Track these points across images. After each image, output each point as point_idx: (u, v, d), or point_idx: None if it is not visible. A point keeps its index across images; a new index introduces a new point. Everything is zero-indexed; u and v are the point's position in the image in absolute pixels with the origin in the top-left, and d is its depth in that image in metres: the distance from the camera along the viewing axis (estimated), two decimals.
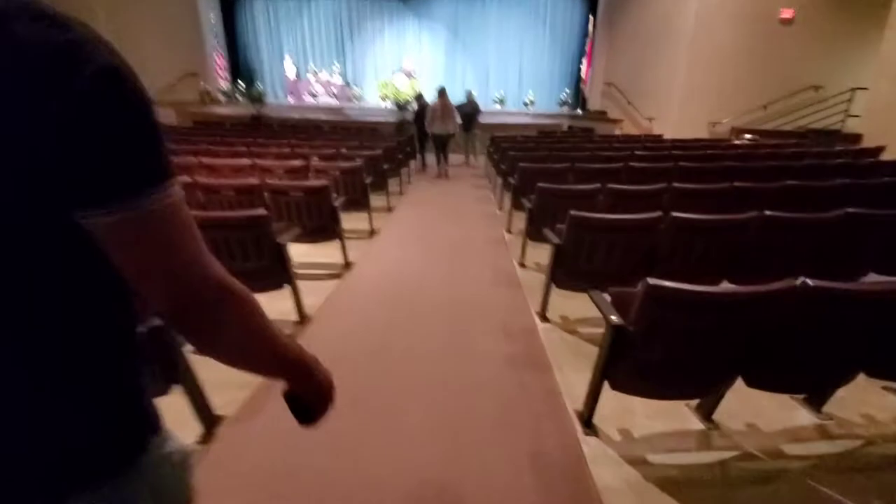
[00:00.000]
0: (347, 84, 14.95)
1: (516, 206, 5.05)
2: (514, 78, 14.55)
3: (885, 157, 6.38)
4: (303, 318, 3.17)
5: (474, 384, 2.54)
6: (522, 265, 4.30)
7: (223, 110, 12.69)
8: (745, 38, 10.15)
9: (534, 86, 13.94)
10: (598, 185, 3.72)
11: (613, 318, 1.87)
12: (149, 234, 0.51)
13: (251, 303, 0.61)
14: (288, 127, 9.47)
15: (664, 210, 2.85)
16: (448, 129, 8.56)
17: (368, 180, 5.13)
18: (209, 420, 2.09)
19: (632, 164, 5.06)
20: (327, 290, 3.65)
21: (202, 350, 0.59)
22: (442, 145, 8.61)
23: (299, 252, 3.86)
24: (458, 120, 8.79)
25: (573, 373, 2.61)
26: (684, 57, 10.83)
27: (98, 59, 0.47)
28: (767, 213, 2.85)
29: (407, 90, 13.65)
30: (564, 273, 3.07)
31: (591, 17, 12.81)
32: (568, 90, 13.20)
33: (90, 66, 0.46)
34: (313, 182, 3.83)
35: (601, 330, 1.97)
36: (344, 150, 6.10)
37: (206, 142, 6.45)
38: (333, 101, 13.73)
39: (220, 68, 14.52)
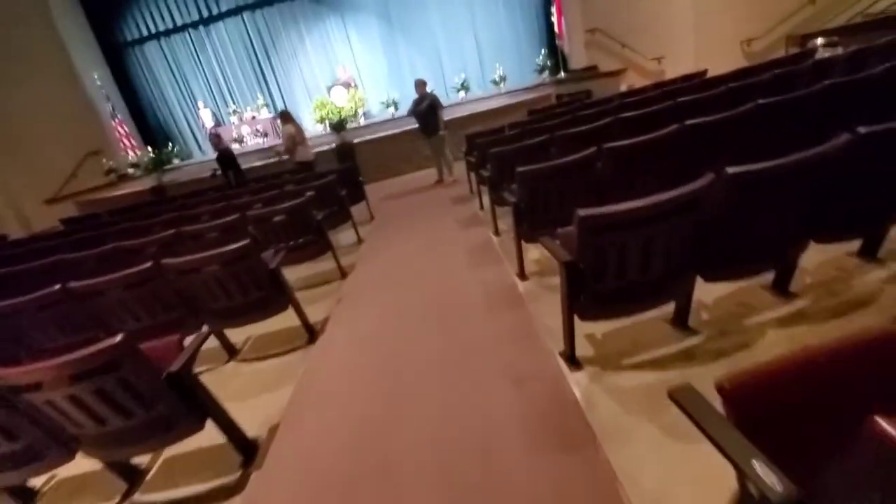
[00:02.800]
0: (277, 116, 12.28)
1: (497, 201, 4.30)
2: (472, 56, 11.76)
3: None
4: (313, 336, 3.16)
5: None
6: (522, 276, 3.41)
7: (121, 190, 10.13)
8: None
9: (499, 58, 11.13)
10: (546, 136, 3.87)
11: (563, 256, 1.99)
12: None
13: None
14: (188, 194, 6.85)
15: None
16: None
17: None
18: (246, 447, 2.21)
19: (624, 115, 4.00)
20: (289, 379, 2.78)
21: None
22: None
23: (243, 332, 3.28)
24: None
25: None
26: None
27: None
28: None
29: (349, 104, 10.99)
30: (528, 228, 3.13)
31: None
32: (544, 51, 10.34)
33: None
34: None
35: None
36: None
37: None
38: (262, 141, 11.07)
39: (125, 137, 11.91)
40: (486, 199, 4.77)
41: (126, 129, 11.98)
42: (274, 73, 12.50)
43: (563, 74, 10.48)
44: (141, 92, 12.91)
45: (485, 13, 11.39)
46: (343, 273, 4.24)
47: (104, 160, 11.35)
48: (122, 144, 11.81)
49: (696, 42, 8.75)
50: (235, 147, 11.56)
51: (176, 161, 11.76)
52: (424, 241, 4.64)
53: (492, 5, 11.33)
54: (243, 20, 12.13)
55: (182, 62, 12.61)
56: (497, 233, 4.38)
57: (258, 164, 8.97)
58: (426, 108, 6.79)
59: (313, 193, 4.20)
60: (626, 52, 9.57)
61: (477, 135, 5.50)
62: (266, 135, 11.05)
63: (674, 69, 8.76)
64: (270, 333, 3.33)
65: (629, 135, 3.02)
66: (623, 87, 8.45)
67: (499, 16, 11.38)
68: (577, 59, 10.35)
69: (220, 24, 12.21)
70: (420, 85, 6.93)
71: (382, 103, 11.21)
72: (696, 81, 5.58)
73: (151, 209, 6.25)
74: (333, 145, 8.13)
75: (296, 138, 6.98)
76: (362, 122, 10.91)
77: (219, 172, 7.46)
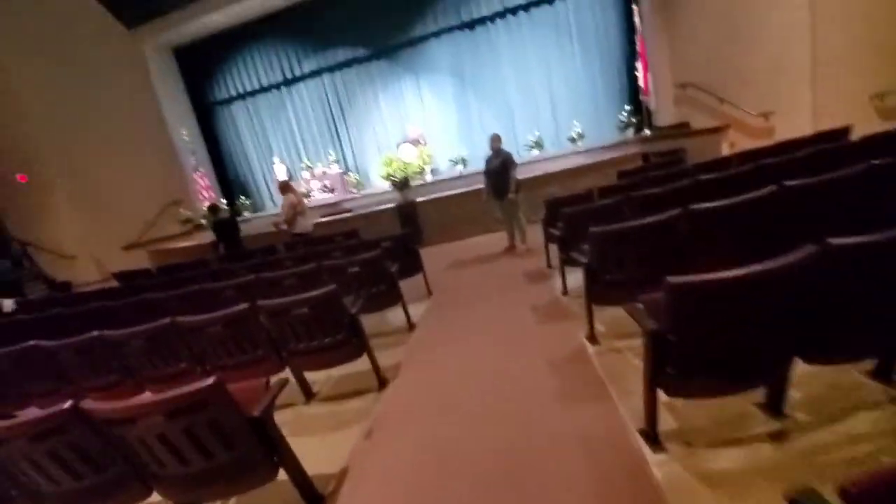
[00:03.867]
0: (346, 171, 12.33)
1: (567, 261, 3.99)
2: (546, 112, 11.21)
3: None
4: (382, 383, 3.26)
5: None
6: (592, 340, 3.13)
7: (191, 241, 10.29)
8: None
9: (576, 115, 10.47)
10: (621, 197, 3.69)
11: (649, 324, 1.85)
12: None
13: None
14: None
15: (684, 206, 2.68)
16: (308, 227, 6.89)
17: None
18: (313, 498, 2.21)
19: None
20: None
21: None
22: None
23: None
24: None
25: None
26: (805, 11, 7.04)
27: None
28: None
29: (416, 161, 10.72)
30: (600, 289, 2.99)
31: (634, 7, 9.40)
32: (628, 107, 9.53)
33: None
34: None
35: None
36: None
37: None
38: (329, 196, 11.00)
39: (204, 189, 12.44)
40: (576, 279, 3.86)
41: (206, 181, 12.54)
42: (347, 129, 12.69)
43: (647, 132, 9.57)
44: (224, 146, 13.62)
45: (562, 69, 10.90)
46: (382, 382, 3.31)
47: (181, 209, 11.84)
48: (201, 196, 12.32)
49: (815, 96, 7.56)
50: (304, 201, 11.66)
51: (246, 214, 11.97)
52: (490, 337, 3.74)
53: (569, 61, 10.83)
54: (323, 81, 12.56)
55: (263, 119, 13.21)
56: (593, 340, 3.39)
57: (322, 219, 8.71)
58: (498, 167, 6.05)
59: (388, 245, 4.23)
60: (724, 107, 8.53)
61: (560, 201, 4.69)
62: (333, 190, 10.97)
63: (786, 127, 7.58)
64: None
65: (711, 195, 2.81)
66: (725, 147, 7.36)
67: (576, 72, 10.83)
68: (666, 115, 9.43)
69: (301, 84, 12.72)
70: (495, 140, 6.23)
71: (451, 161, 10.85)
72: (843, 142, 4.44)
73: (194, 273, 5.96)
74: (394, 205, 7.67)
75: (297, 208, 6.68)
76: (429, 178, 10.55)
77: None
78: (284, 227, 6.93)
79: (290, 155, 13.19)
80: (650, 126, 9.68)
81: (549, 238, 4.77)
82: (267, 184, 13.49)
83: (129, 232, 11.86)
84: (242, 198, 12.34)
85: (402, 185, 7.61)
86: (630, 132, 9.38)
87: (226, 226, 7.22)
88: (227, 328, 2.86)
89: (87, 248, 12.01)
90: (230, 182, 13.69)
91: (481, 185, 7.12)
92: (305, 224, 6.83)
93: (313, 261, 4.09)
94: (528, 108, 11.32)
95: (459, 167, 10.27)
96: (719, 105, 8.60)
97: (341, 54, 12.06)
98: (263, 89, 12.88)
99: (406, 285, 4.67)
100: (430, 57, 11.68)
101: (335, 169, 12.16)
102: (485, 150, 6.44)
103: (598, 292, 3.02)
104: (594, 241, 2.87)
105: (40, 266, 10.53)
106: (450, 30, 11.30)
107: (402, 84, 12.09)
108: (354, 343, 3.00)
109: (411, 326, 4.20)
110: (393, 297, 3.99)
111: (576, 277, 3.83)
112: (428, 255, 7.17)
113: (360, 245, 4.68)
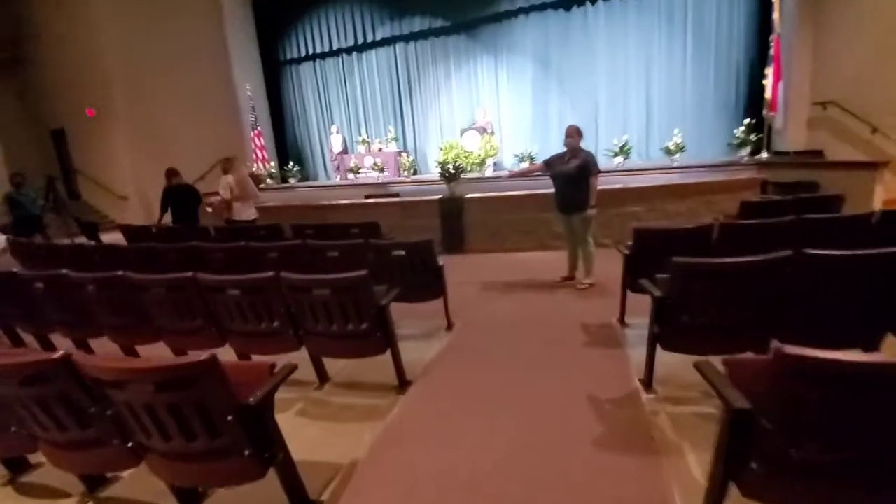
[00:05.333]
0: (404, 151, 11.38)
1: (633, 287, 3.17)
2: (639, 115, 9.58)
3: None
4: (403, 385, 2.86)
5: None
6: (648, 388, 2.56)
7: None
8: None
9: (676, 122, 8.78)
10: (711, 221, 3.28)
11: (733, 400, 1.40)
12: None
13: None
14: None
15: (795, 247, 2.19)
16: (250, 215, 5.82)
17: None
18: None
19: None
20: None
21: None
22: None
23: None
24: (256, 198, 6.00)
25: None
26: None
27: None
28: None
29: (478, 152, 9.55)
30: (671, 331, 2.45)
31: (773, 1, 7.54)
32: (747, 121, 7.71)
33: None
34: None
35: None
36: None
37: None
38: (377, 176, 10.08)
39: (259, 149, 11.97)
40: (667, 365, 2.60)
41: (262, 141, 12.06)
42: (412, 107, 11.72)
43: (765, 155, 7.76)
44: (287, 108, 13.15)
45: (666, 66, 9.19)
46: (403, 382, 2.85)
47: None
48: (254, 155, 11.88)
49: None
50: (350, 177, 10.83)
51: (291, 181, 11.36)
52: (521, 428, 2.39)
53: (677, 57, 9.10)
54: (395, 51, 11.63)
55: (329, 85, 12.55)
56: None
57: (368, 200, 7.71)
58: (574, 171, 4.38)
59: (401, 255, 3.37)
60: (877, 139, 6.62)
61: (660, 235, 3.28)
62: (383, 170, 10.04)
63: None
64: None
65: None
66: (879, 192, 5.54)
67: (684, 71, 9.09)
68: (794, 138, 7.59)
69: (373, 52, 11.89)
70: (572, 134, 4.52)
71: (516, 156, 9.57)
72: None
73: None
74: (438, 198, 6.54)
75: (233, 192, 5.55)
76: (489, 172, 9.34)
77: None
78: (209, 209, 6.21)
79: (349, 126, 12.45)
80: (768, 148, 7.85)
81: (631, 285, 3.26)
82: (323, 153, 12.88)
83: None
84: (290, 164, 11.72)
85: (451, 175, 6.48)
86: (744, 153, 7.60)
87: (182, 194, 6.11)
88: (247, 294, 2.66)
89: (140, 191, 11.94)
90: (287, 146, 13.22)
91: (542, 191, 5.83)
92: (247, 212, 5.75)
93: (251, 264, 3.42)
94: (616, 107, 9.74)
95: (525, 164, 8.98)
96: (870, 135, 6.70)
97: (418, 23, 11.04)
98: (334, 52, 12.17)
99: (418, 311, 3.57)
100: (515, 37, 10.36)
101: (392, 147, 11.25)
102: (558, 148, 5.07)
103: (669, 335, 2.45)
104: (676, 274, 2.33)
105: (65, 202, 10.38)
106: (542, 7, 9.91)
107: (479, 64, 10.88)
108: (379, 336, 2.66)
109: (403, 384, 2.83)
110: (375, 343, 2.69)
111: (667, 363, 2.50)
112: (466, 264, 6.02)
113: (354, 252, 3.49)
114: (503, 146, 10.28)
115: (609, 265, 4.33)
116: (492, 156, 9.66)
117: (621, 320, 3.53)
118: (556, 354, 3.14)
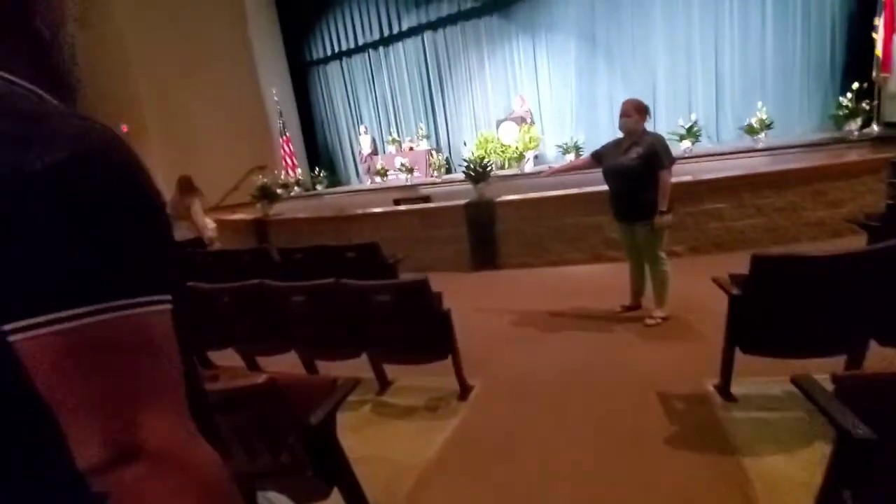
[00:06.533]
0: (436, 149, 10.47)
1: (747, 347, 2.21)
2: (707, 88, 8.11)
3: None
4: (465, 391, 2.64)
5: None
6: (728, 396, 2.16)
7: (241, 214, 9.29)
8: None
9: (758, 94, 7.26)
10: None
11: (852, 428, 1.10)
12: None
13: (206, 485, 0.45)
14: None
15: None
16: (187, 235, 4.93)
17: None
18: None
19: None
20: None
21: None
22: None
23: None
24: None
25: None
26: None
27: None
28: None
29: (516, 144, 8.49)
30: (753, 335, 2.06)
31: None
32: (856, 86, 6.07)
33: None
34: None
35: None
36: None
37: None
38: (405, 178, 9.22)
39: (289, 155, 11.50)
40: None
41: (291, 147, 11.57)
42: (443, 100, 10.80)
43: (875, 128, 6.15)
44: (316, 111, 12.64)
45: (742, 26, 7.67)
46: (464, 388, 2.60)
47: (259, 177, 11.03)
48: (284, 163, 11.42)
49: None
50: (377, 180, 10.02)
51: (318, 188, 10.75)
52: None
53: (754, 13, 7.53)
54: (423, 40, 10.74)
55: (357, 83, 11.89)
56: None
57: (400, 207, 6.83)
58: (636, 164, 3.09)
59: (386, 299, 2.63)
60: None
61: (792, 264, 2.07)
62: (412, 171, 9.16)
63: None
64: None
65: None
66: None
67: (763, 33, 7.54)
68: None
69: (400, 44, 11.07)
70: (631, 112, 3.16)
71: (560, 147, 8.41)
72: None
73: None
74: (464, 202, 5.51)
75: (175, 210, 4.73)
76: (528, 167, 8.22)
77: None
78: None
79: (378, 126, 11.73)
80: (878, 120, 6.22)
81: (743, 342, 2.14)
82: (353, 156, 12.24)
83: (211, 194, 11.40)
84: (318, 170, 11.12)
85: (479, 175, 5.46)
86: (854, 126, 6.02)
87: None
88: (311, 301, 2.59)
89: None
90: (318, 151, 12.72)
91: (592, 188, 4.74)
92: (183, 233, 4.95)
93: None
94: (679, 81, 8.32)
95: (570, 157, 7.80)
96: None
97: (446, 6, 10.06)
98: (360, 48, 11.48)
99: (420, 373, 2.67)
100: (554, 13, 9.15)
101: (423, 146, 10.37)
102: (609, 136, 3.91)
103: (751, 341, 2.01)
104: (757, 271, 1.91)
105: None
106: None
107: (515, 46, 9.76)
108: (440, 342, 2.51)
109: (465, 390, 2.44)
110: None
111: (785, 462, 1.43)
112: (498, 284, 4.98)
113: (324, 296, 2.55)
114: (545, 137, 9.12)
115: (683, 281, 3.22)
116: (532, 148, 8.52)
117: (723, 389, 2.31)
118: (616, 465, 1.97)
